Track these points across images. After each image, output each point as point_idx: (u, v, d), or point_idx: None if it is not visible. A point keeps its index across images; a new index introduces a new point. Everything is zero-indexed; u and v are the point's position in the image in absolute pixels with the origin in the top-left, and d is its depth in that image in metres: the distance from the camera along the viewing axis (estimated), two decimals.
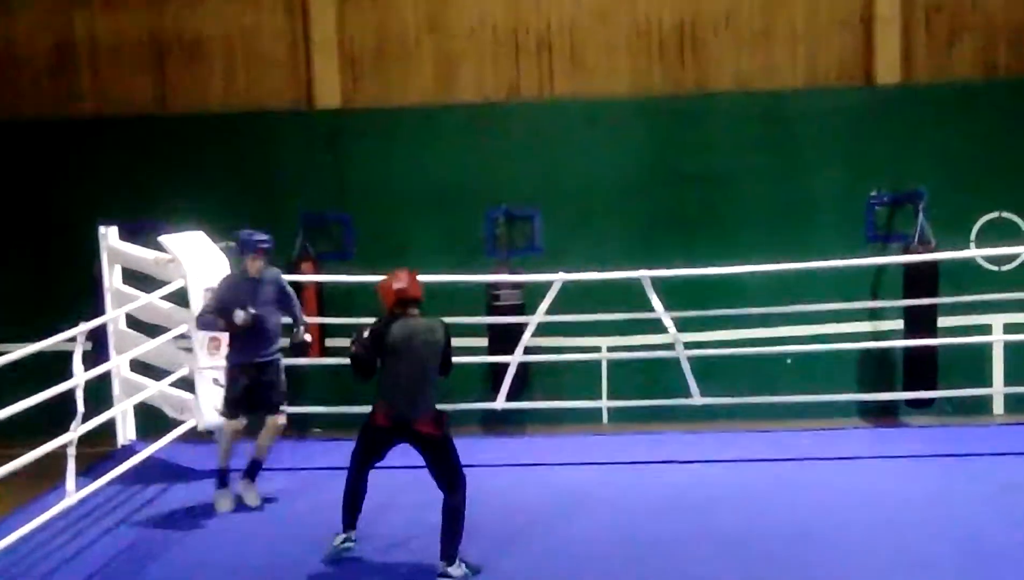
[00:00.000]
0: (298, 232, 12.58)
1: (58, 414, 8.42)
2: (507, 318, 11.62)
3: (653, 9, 13.06)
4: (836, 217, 12.50)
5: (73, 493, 8.48)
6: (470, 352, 11.66)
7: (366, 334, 7.64)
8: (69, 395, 8.38)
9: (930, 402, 11.78)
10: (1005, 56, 12.86)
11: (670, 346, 10.75)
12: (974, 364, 12.19)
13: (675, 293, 10.95)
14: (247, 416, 9.07)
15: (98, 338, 10.25)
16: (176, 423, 10.14)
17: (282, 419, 9.16)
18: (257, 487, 9.11)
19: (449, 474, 7.51)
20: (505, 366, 10.79)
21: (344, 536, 7.85)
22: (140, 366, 10.46)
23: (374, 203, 12.82)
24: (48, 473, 8.68)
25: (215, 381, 9.71)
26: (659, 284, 10.56)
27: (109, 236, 10.58)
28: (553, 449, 10.74)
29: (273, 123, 13.12)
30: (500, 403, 10.78)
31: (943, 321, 11.83)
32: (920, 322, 11.71)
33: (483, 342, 12.02)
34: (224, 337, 9.32)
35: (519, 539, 8.13)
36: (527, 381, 12.04)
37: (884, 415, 12.28)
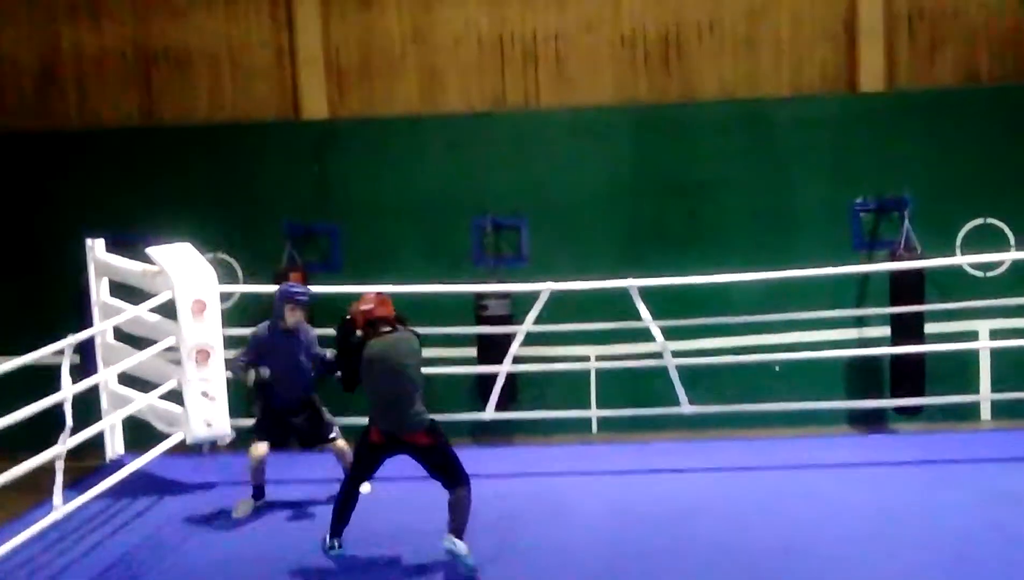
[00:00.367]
0: (285, 243, 12.57)
1: (44, 428, 8.36)
2: (495, 328, 11.62)
3: (637, 19, 13.10)
4: (822, 225, 12.54)
5: (61, 507, 8.44)
6: (458, 362, 11.70)
7: (343, 340, 8.02)
8: (55, 409, 8.32)
9: (918, 409, 11.81)
10: (987, 64, 12.93)
11: (658, 355, 10.77)
12: (961, 370, 12.23)
13: (662, 302, 10.97)
14: (277, 441, 9.40)
15: (85, 351, 10.23)
16: (164, 436, 10.10)
17: (341, 442, 9.32)
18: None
19: (452, 474, 7.79)
20: (493, 376, 10.79)
21: (332, 543, 8.05)
22: (128, 379, 10.41)
23: (361, 214, 12.82)
24: (35, 487, 8.63)
25: (204, 394, 9.69)
26: (646, 293, 10.58)
27: (96, 248, 10.56)
28: (541, 459, 10.73)
29: (259, 134, 13.12)
30: (489, 413, 10.79)
31: (930, 328, 11.88)
32: (907, 329, 11.75)
33: (471, 352, 12.02)
34: (214, 350, 9.40)
35: (505, 549, 8.12)
36: (515, 391, 12.04)
37: (872, 422, 12.32)
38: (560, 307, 11.01)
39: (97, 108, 13.38)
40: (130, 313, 10.03)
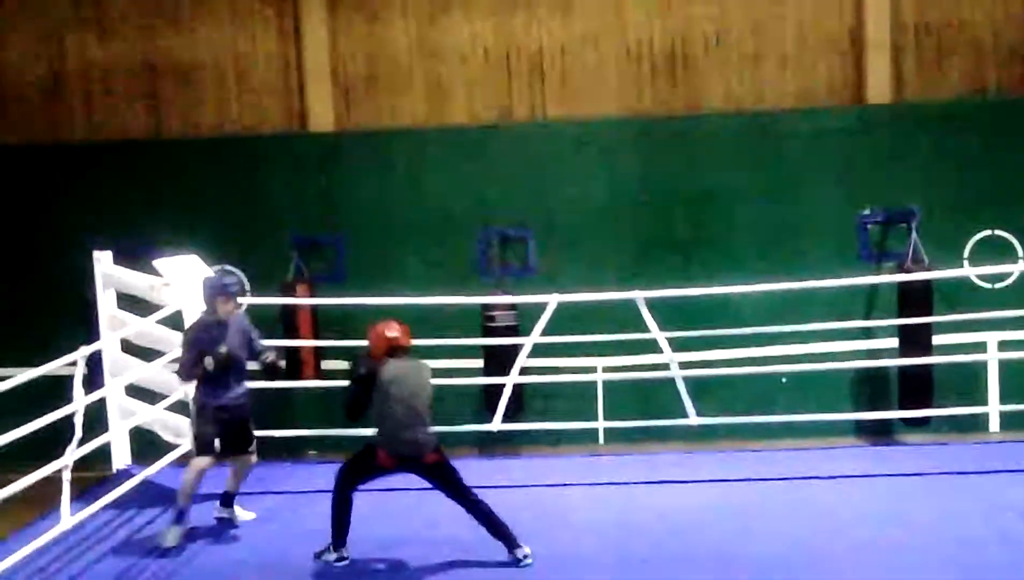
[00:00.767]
0: (292, 255, 12.58)
1: (48, 440, 8.35)
2: (501, 339, 11.61)
3: (643, 31, 13.13)
4: (829, 236, 12.54)
5: (68, 518, 8.44)
6: (465, 374, 11.69)
7: (363, 370, 7.92)
8: (60, 421, 8.34)
9: (926, 420, 11.77)
10: (995, 76, 12.94)
11: (665, 366, 10.75)
12: (969, 382, 12.21)
13: (669, 313, 10.95)
14: (217, 455, 8.83)
15: (92, 362, 10.22)
16: (171, 447, 10.10)
17: (254, 458, 9.09)
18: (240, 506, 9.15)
19: (462, 488, 7.93)
20: (500, 388, 10.77)
21: (337, 555, 8.06)
22: (135, 390, 10.42)
23: (367, 225, 12.84)
24: (42, 498, 8.64)
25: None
26: (653, 304, 10.57)
27: (103, 261, 10.57)
28: (548, 470, 10.70)
29: (266, 147, 13.15)
30: (496, 425, 10.76)
31: (938, 339, 11.85)
32: (915, 340, 11.72)
33: (478, 364, 12.01)
34: None
35: (512, 559, 8.10)
36: (522, 402, 12.02)
37: (880, 434, 12.29)
38: (567, 318, 10.99)
39: (104, 121, 13.43)
40: (137, 325, 10.04)
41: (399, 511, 9.06)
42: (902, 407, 11.86)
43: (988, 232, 12.40)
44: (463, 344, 11.44)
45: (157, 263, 10.15)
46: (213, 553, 8.60)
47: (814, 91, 13.07)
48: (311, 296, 12.31)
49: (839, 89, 13.05)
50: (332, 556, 8.06)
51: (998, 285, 12.30)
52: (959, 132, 12.50)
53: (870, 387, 12.46)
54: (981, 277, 12.16)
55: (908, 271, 11.82)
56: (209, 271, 10.22)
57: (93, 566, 8.35)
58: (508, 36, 13.24)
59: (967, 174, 12.43)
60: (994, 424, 12.37)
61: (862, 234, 12.51)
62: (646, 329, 10.51)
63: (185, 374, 8.88)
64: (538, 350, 11.01)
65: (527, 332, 10.88)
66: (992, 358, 12.07)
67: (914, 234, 12.10)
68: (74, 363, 8.47)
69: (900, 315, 11.81)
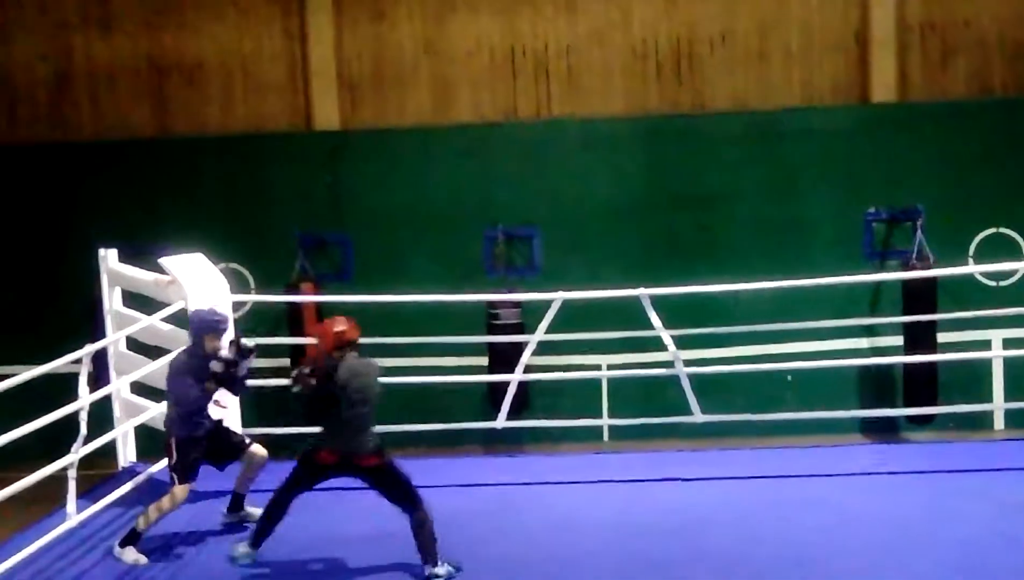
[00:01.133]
0: (297, 253, 12.61)
1: (54, 437, 8.38)
2: (506, 337, 11.62)
3: (649, 30, 13.14)
4: (834, 234, 12.56)
5: (74, 515, 8.47)
6: (469, 371, 11.71)
7: (307, 371, 7.72)
8: (65, 418, 8.34)
9: (931, 418, 11.77)
10: (1000, 75, 12.93)
11: (670, 364, 10.74)
12: (974, 380, 12.22)
13: (674, 311, 10.95)
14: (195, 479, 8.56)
15: (98, 360, 10.24)
16: None
17: (263, 453, 8.81)
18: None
19: (403, 494, 7.62)
20: (505, 385, 10.76)
21: (249, 552, 8.00)
22: (140, 388, 10.44)
23: (373, 224, 12.87)
24: (48, 496, 8.66)
25: (215, 402, 9.68)
26: (658, 302, 10.57)
27: (109, 258, 10.59)
28: (552, 468, 10.69)
29: (272, 145, 13.19)
30: (500, 422, 10.76)
31: (943, 337, 11.86)
32: (920, 338, 11.73)
33: (483, 361, 12.02)
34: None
35: (515, 557, 8.10)
36: (527, 400, 12.03)
37: (885, 431, 12.29)
38: (572, 316, 10.98)
39: (110, 120, 13.47)
40: (143, 322, 10.06)
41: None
42: (907, 405, 11.86)
43: (993, 230, 12.42)
44: (468, 342, 11.45)
45: (162, 261, 10.16)
46: (216, 554, 8.61)
47: (819, 90, 13.08)
48: (316, 294, 12.32)
49: (844, 88, 13.05)
50: (242, 551, 7.97)
51: (1003, 283, 12.30)
52: (964, 130, 12.51)
53: (875, 385, 12.47)
54: (986, 275, 12.17)
55: (913, 269, 11.82)
56: (214, 269, 10.24)
57: (99, 563, 8.35)
58: (514, 35, 13.26)
59: (972, 172, 12.45)
60: (999, 422, 12.38)
61: (867, 232, 12.50)
62: (651, 327, 10.50)
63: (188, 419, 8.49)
64: (543, 348, 11.01)
65: (532, 330, 10.89)
66: (997, 356, 12.07)
67: (919, 232, 12.10)
68: (79, 361, 8.48)
69: (905, 313, 11.82)
